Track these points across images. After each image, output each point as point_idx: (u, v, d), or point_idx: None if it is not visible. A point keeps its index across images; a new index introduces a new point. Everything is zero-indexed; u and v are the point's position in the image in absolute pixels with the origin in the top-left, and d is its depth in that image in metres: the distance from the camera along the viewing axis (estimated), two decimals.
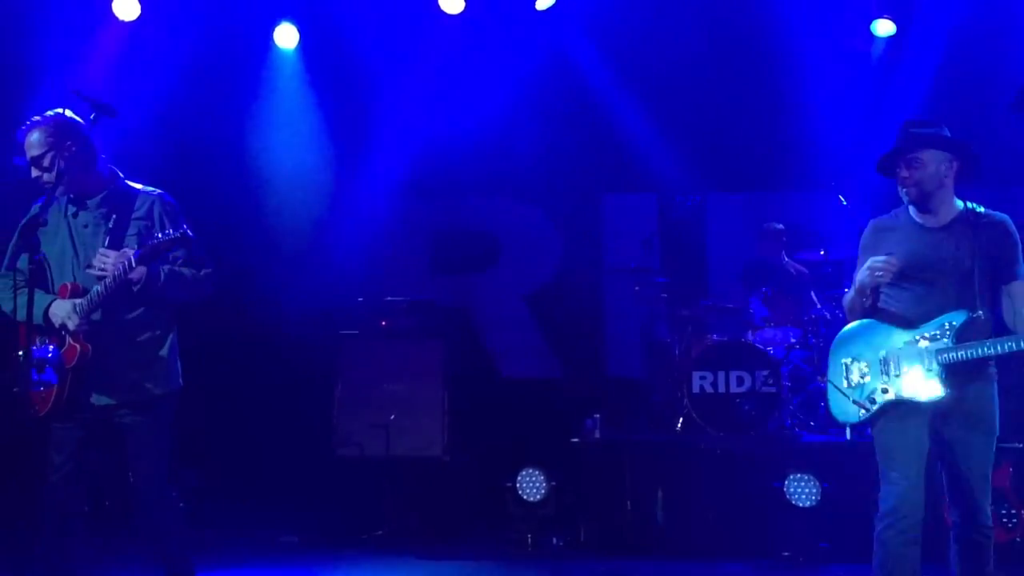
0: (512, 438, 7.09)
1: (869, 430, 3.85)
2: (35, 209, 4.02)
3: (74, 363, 3.87)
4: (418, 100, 7.87)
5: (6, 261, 4.11)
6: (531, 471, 6.27)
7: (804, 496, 5.77)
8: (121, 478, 4.09)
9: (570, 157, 8.12)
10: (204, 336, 5.23)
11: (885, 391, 3.74)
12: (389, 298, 7.34)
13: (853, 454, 5.88)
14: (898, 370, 3.74)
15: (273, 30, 7.59)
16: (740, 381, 6.57)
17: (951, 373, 3.65)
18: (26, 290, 3.70)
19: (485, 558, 6.15)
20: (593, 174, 8.32)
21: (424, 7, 7.48)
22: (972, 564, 3.74)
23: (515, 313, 8.48)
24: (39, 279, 3.87)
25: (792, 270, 7.63)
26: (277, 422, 7.13)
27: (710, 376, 6.61)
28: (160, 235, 3.84)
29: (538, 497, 6.23)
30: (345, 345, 7.09)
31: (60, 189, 3.97)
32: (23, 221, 4.02)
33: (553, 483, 6.23)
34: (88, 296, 3.89)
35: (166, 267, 3.96)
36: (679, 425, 6.76)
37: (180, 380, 4.16)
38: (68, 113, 4.02)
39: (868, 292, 3.84)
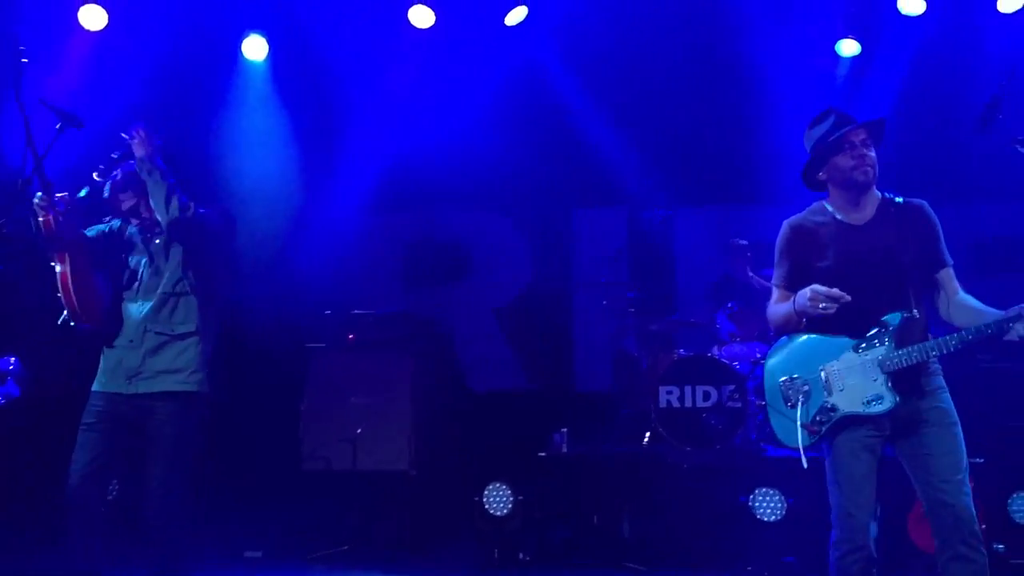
0: (480, 452, 7.08)
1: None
2: None
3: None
4: (389, 113, 7.88)
5: None
6: (498, 485, 6.26)
7: (769, 510, 5.82)
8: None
9: (541, 171, 8.15)
10: None
11: (831, 409, 3.50)
12: (357, 311, 7.32)
13: (818, 469, 5.91)
14: (841, 384, 3.51)
15: (242, 41, 7.56)
16: (706, 396, 6.60)
17: (897, 380, 3.45)
18: None
19: (451, 573, 6.14)
20: (564, 188, 8.35)
21: (394, 21, 7.48)
22: None
23: (485, 326, 8.48)
24: None
25: (757, 285, 7.68)
26: (243, 436, 7.07)
27: (677, 391, 6.64)
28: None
29: (505, 511, 6.22)
30: (312, 358, 7.05)
31: None
32: None
33: (520, 497, 6.22)
34: None
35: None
36: (646, 439, 6.77)
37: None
38: None
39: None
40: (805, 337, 3.65)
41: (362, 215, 8.11)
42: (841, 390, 3.51)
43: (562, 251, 8.51)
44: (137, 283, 4.28)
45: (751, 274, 7.72)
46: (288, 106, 7.88)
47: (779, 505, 5.80)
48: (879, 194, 3.67)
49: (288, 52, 7.69)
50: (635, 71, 7.81)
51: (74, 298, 4.09)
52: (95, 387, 4.21)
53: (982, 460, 5.49)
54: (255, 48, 7.60)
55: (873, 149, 3.61)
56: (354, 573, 6.07)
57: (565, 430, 6.65)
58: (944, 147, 7.19)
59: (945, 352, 3.42)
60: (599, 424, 7.32)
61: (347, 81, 7.72)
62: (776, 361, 3.69)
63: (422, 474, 6.79)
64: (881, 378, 3.45)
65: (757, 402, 6.89)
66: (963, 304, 3.56)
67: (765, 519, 5.80)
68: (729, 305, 7.30)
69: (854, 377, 3.49)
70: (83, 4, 7.08)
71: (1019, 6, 6.98)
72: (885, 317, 3.50)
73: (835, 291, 3.44)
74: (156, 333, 4.18)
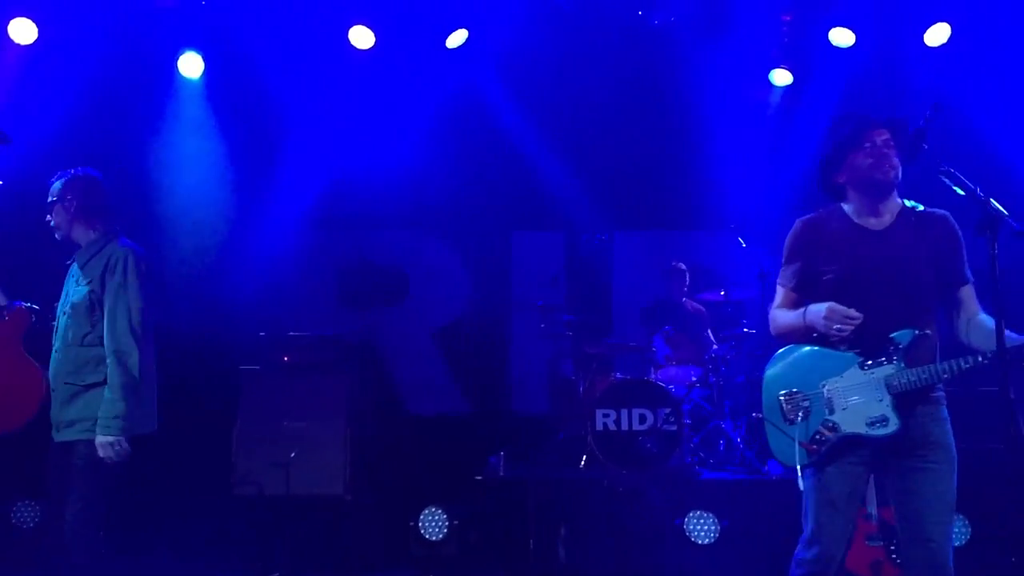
0: (416, 476, 7.01)
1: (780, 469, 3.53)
2: None
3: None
4: (327, 133, 7.82)
5: None
6: (433, 510, 6.22)
7: (703, 533, 5.86)
8: None
9: (480, 194, 8.17)
10: None
11: (832, 428, 3.28)
12: (293, 332, 7.21)
13: (752, 492, 6.00)
14: (844, 403, 3.30)
15: (177, 58, 7.46)
16: (642, 419, 6.63)
17: (902, 402, 3.24)
18: None
19: None
20: (502, 211, 8.38)
21: (334, 40, 7.44)
22: None
23: (422, 349, 8.44)
24: None
25: (691, 308, 7.79)
26: (171, 459, 6.88)
27: (613, 414, 6.66)
28: None
29: (440, 536, 6.17)
30: (245, 380, 6.91)
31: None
32: None
33: (455, 521, 6.18)
34: None
35: None
36: (583, 462, 6.79)
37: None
38: None
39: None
40: (808, 349, 3.43)
41: (299, 236, 8.02)
42: (844, 409, 3.30)
43: (500, 274, 8.52)
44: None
45: (685, 298, 7.84)
46: (224, 124, 7.76)
47: (713, 528, 5.85)
48: (900, 201, 3.45)
49: (225, 70, 7.60)
50: (574, 96, 7.90)
51: None
52: None
53: None
54: (191, 65, 7.50)
55: (896, 155, 3.38)
56: None
57: (502, 453, 6.64)
58: None
59: (956, 374, 3.22)
60: (536, 447, 7.32)
61: (285, 100, 7.65)
62: (776, 373, 3.48)
63: (357, 499, 6.69)
64: (887, 399, 3.25)
65: (691, 425, 6.98)
66: (983, 325, 3.32)
67: (699, 542, 5.85)
68: (666, 328, 7.39)
69: (858, 395, 3.29)
70: (13, 17, 6.92)
71: (944, 40, 7.23)
72: (895, 334, 3.28)
73: (853, 311, 3.26)
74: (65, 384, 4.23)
